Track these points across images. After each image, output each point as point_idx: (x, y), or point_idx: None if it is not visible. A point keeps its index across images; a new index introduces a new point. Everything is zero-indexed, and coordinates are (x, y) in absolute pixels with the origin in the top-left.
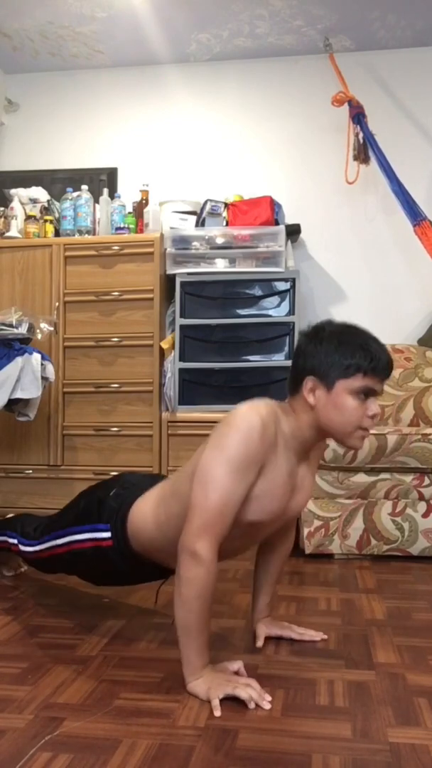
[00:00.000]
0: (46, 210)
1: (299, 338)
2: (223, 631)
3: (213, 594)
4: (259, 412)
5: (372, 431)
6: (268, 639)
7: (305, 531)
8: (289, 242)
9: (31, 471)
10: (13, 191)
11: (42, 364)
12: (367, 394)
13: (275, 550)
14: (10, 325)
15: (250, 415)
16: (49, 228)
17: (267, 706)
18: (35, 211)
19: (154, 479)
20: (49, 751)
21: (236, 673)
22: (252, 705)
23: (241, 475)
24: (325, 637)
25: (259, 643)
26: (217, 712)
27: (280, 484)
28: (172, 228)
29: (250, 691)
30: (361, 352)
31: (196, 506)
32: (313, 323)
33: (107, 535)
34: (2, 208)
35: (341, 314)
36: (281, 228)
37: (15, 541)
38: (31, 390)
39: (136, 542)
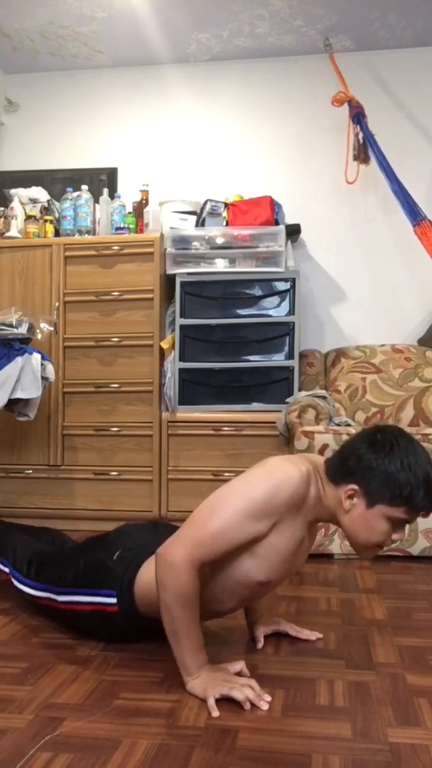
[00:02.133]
0: (46, 210)
1: (362, 436)
2: (223, 631)
3: (195, 600)
4: (300, 471)
5: None
6: (267, 639)
7: None
8: (289, 242)
9: (31, 471)
10: (13, 191)
11: (42, 364)
12: (401, 523)
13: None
14: (10, 325)
15: (290, 470)
16: (49, 228)
17: (265, 706)
18: (35, 211)
19: (156, 532)
20: (49, 751)
21: (238, 673)
22: (247, 706)
23: (253, 519)
24: (321, 636)
25: (259, 645)
26: (215, 713)
27: (291, 546)
28: (172, 228)
29: (247, 691)
30: (417, 489)
31: (193, 523)
32: (378, 426)
33: (113, 601)
34: (2, 208)
35: (341, 314)
36: (281, 228)
37: (7, 570)
38: (31, 390)
39: (144, 606)
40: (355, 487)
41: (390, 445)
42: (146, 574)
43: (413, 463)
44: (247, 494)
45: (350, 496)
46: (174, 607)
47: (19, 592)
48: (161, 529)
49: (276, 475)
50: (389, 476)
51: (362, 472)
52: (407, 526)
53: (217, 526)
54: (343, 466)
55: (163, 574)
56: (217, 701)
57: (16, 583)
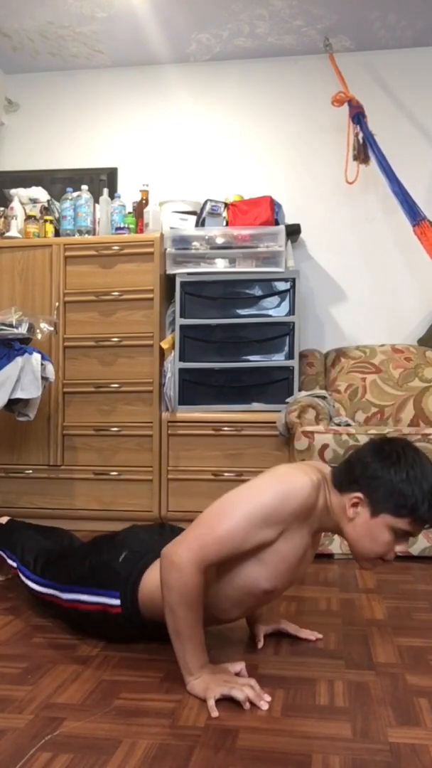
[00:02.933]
0: (46, 210)
1: (369, 446)
2: (223, 631)
3: (199, 601)
4: (311, 480)
5: (372, 431)
6: (268, 639)
7: None
8: (289, 242)
9: (31, 471)
10: (13, 191)
11: (42, 364)
12: (404, 535)
13: None
14: (10, 325)
15: (301, 479)
16: (49, 228)
17: (265, 706)
18: (35, 211)
19: (162, 534)
20: (49, 751)
21: (237, 674)
22: (247, 706)
23: (261, 525)
24: (320, 636)
25: (260, 644)
26: (214, 713)
27: (297, 554)
28: (172, 228)
29: (247, 691)
30: (422, 500)
31: (201, 525)
32: (385, 441)
33: (116, 602)
34: (2, 208)
35: (341, 314)
36: (281, 228)
37: (14, 564)
38: (31, 390)
39: (147, 610)
40: (360, 495)
41: (397, 456)
42: (151, 577)
43: (419, 475)
44: (256, 500)
45: (355, 504)
46: (178, 608)
47: (24, 586)
48: (168, 531)
49: (287, 483)
50: (394, 486)
51: (368, 480)
52: (410, 539)
53: (224, 530)
54: (349, 474)
55: (168, 574)
56: (217, 701)
57: (22, 577)
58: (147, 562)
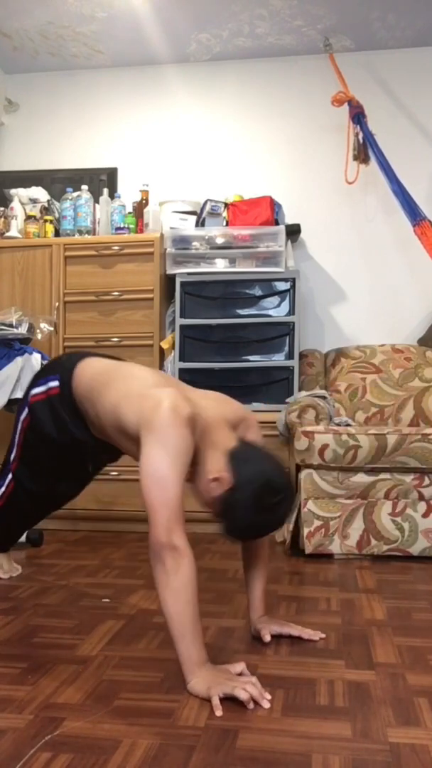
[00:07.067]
0: (46, 210)
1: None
2: (223, 631)
3: (196, 586)
4: (173, 401)
5: (372, 431)
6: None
7: (305, 531)
8: (289, 242)
9: None
10: (13, 191)
11: (42, 364)
12: None
13: (256, 546)
14: (10, 325)
15: (169, 406)
16: (49, 228)
17: (266, 705)
18: (35, 211)
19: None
20: (49, 751)
21: (239, 675)
22: (251, 706)
23: (182, 463)
24: (324, 636)
25: (267, 638)
26: (218, 712)
27: None
28: (172, 228)
29: (251, 689)
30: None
31: (157, 504)
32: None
33: (56, 384)
34: (2, 208)
35: (341, 314)
36: (281, 228)
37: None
38: None
39: (80, 395)
40: (226, 476)
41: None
42: (87, 364)
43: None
44: (165, 452)
45: (216, 479)
46: (185, 591)
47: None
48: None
49: (164, 411)
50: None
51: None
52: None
53: (173, 494)
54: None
55: (173, 562)
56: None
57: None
58: (87, 354)
